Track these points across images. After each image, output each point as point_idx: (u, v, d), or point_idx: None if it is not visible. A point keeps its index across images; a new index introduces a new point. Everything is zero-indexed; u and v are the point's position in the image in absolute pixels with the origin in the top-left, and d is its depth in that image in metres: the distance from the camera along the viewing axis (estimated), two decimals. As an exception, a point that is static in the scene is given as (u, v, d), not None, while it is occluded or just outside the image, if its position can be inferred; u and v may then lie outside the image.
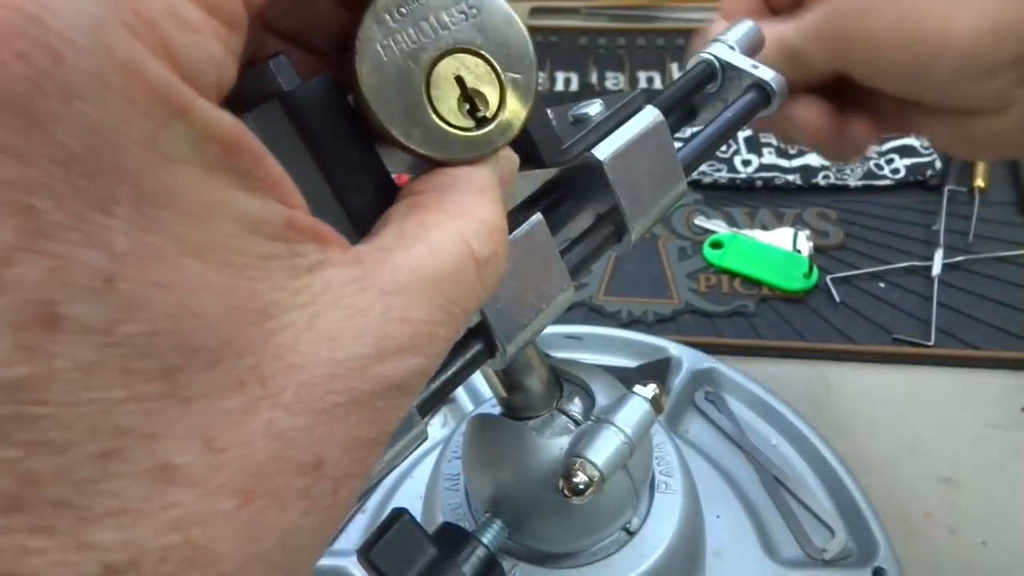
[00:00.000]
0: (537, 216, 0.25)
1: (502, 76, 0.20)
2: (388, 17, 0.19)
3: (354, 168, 0.20)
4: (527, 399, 0.31)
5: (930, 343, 0.54)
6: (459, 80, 0.19)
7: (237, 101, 0.21)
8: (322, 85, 0.20)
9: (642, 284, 0.61)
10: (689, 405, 0.50)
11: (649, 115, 0.28)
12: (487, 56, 0.20)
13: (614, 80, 0.84)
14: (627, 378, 0.34)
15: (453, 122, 0.19)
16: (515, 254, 0.24)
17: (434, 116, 0.19)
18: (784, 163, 0.69)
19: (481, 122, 0.20)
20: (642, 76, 0.84)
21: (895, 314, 0.57)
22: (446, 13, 0.19)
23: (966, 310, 0.56)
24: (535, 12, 0.95)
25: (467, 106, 0.19)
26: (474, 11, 0.19)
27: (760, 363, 0.55)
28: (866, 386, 0.53)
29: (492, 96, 0.20)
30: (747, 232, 0.63)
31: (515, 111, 0.20)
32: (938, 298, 0.57)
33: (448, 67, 0.19)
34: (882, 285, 0.59)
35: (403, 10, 0.19)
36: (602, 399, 0.31)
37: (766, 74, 0.35)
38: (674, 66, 0.85)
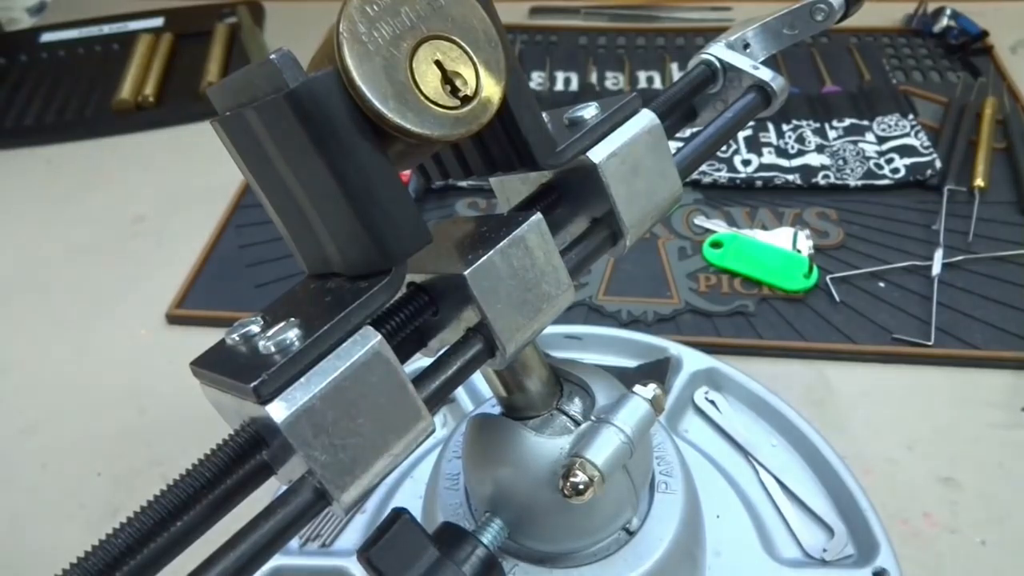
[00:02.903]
0: (536, 215, 0.25)
1: (474, 57, 0.22)
2: (368, 10, 0.20)
3: (358, 162, 0.21)
4: (527, 399, 0.31)
5: (930, 343, 0.54)
6: (438, 64, 0.21)
7: (244, 94, 0.22)
8: (326, 81, 0.20)
9: (642, 284, 0.61)
10: (689, 405, 0.51)
11: (645, 118, 0.28)
12: (458, 41, 0.22)
13: (614, 80, 0.84)
14: (627, 378, 0.34)
15: (440, 102, 0.21)
16: (515, 253, 0.24)
17: (422, 97, 0.21)
18: (784, 163, 0.69)
19: (464, 100, 0.22)
20: (642, 76, 0.84)
21: (895, 314, 0.57)
22: (417, 5, 0.21)
23: (966, 310, 0.57)
24: (535, 12, 0.95)
25: (449, 87, 0.21)
26: (441, 2, 0.21)
27: (760, 363, 0.55)
28: (866, 386, 0.53)
29: (469, 76, 0.22)
30: (747, 232, 0.63)
31: (491, 87, 0.22)
32: (938, 298, 0.57)
33: (426, 53, 0.21)
34: (882, 285, 0.59)
35: (377, 6, 0.20)
36: (602, 399, 0.31)
37: (766, 74, 0.35)
38: (674, 65, 0.85)
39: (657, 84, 0.83)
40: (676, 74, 0.84)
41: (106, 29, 0.95)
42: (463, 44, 0.22)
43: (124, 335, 0.61)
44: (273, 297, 0.24)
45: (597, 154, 0.27)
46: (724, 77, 0.36)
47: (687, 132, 0.36)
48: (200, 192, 0.73)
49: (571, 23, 0.93)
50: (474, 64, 0.22)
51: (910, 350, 0.54)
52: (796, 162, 0.69)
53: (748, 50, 0.37)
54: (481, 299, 0.24)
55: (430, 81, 0.21)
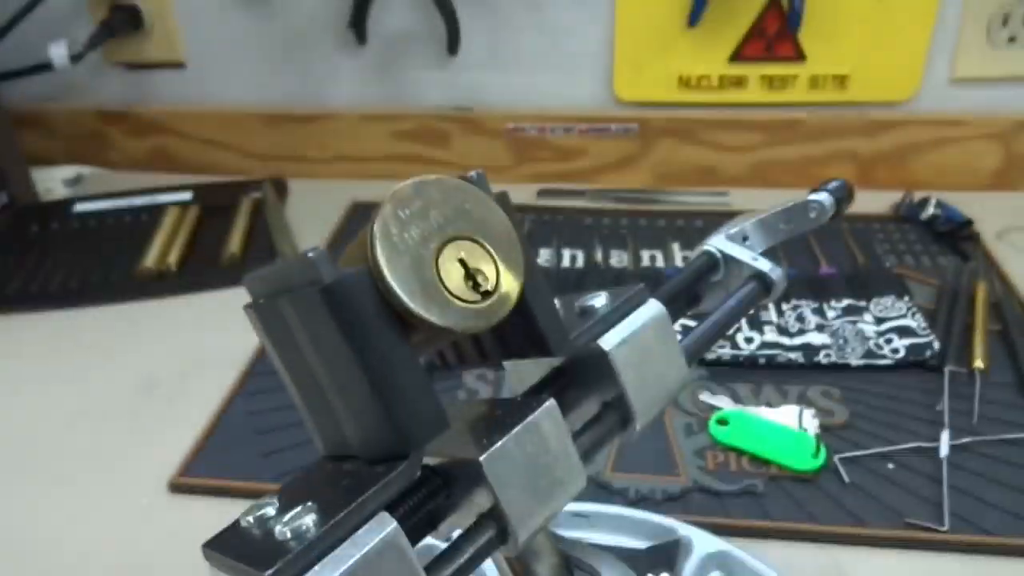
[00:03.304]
0: (550, 402, 0.26)
1: (495, 255, 0.24)
2: (400, 215, 0.22)
3: (382, 352, 0.22)
4: (536, 587, 0.30)
5: (943, 527, 0.53)
6: (462, 262, 0.23)
7: (279, 284, 0.23)
8: (358, 278, 0.22)
9: (649, 460, 0.60)
10: (700, 591, 0.49)
11: (652, 308, 0.30)
12: (481, 241, 0.24)
13: (618, 258, 0.87)
14: (637, 561, 0.33)
15: (462, 297, 0.23)
16: (529, 439, 0.25)
17: (447, 292, 0.23)
18: (786, 341, 0.71)
19: (484, 296, 0.23)
20: (645, 254, 0.88)
21: (906, 496, 0.56)
22: (444, 209, 0.23)
23: (978, 493, 0.56)
24: (543, 193, 1.01)
25: (471, 283, 0.23)
26: (466, 206, 0.24)
27: (771, 546, 0.54)
28: (880, 573, 0.52)
29: (490, 273, 0.24)
30: (752, 409, 0.64)
31: (509, 284, 0.24)
32: (948, 480, 0.56)
33: (452, 251, 0.23)
34: (891, 466, 0.59)
35: (408, 210, 0.22)
36: (612, 588, 0.31)
37: (765, 265, 0.37)
38: (675, 245, 0.89)
39: (660, 262, 0.86)
40: (678, 253, 0.88)
41: (137, 201, 1.00)
42: (485, 244, 0.24)
43: (124, 504, 0.60)
44: (281, 467, 0.25)
45: (607, 342, 0.28)
46: (725, 267, 0.38)
47: (692, 316, 0.38)
48: (211, 358, 0.74)
49: (577, 204, 0.99)
50: (495, 262, 0.24)
51: (923, 535, 0.53)
52: (797, 340, 0.71)
53: (747, 242, 0.40)
54: (495, 484, 0.24)
55: (454, 277, 0.23)
